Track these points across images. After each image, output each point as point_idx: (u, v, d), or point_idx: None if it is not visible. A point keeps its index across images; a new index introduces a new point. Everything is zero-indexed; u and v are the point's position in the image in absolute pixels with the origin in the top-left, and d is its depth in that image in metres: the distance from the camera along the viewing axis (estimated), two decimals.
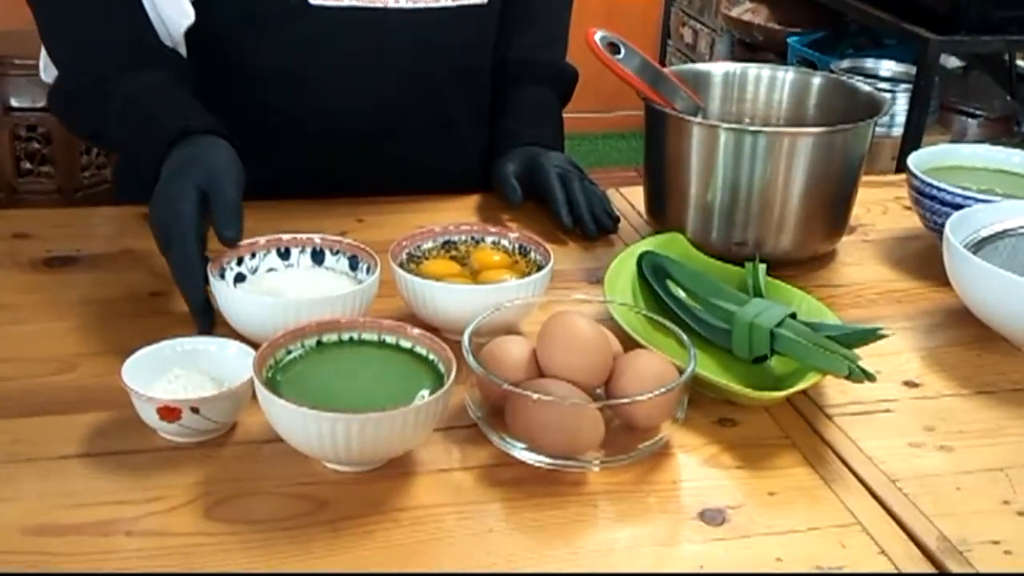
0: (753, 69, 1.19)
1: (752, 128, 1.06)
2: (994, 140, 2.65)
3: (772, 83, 1.18)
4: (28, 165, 2.50)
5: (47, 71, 1.14)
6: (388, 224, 1.13)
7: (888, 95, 2.41)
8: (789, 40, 2.92)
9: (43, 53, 1.13)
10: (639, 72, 1.06)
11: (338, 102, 1.15)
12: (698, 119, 1.07)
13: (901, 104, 2.50)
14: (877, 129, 1.07)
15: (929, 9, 2.34)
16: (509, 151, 1.22)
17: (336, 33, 1.12)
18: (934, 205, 1.10)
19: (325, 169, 1.18)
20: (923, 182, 1.11)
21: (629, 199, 1.25)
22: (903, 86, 2.54)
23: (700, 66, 1.20)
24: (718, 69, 1.19)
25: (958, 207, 1.06)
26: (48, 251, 1.05)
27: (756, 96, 1.18)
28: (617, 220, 1.16)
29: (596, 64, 1.05)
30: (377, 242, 0.96)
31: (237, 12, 1.11)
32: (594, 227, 1.14)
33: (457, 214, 1.18)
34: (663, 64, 3.61)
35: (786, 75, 1.18)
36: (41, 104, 2.29)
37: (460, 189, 1.24)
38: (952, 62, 2.90)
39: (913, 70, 2.48)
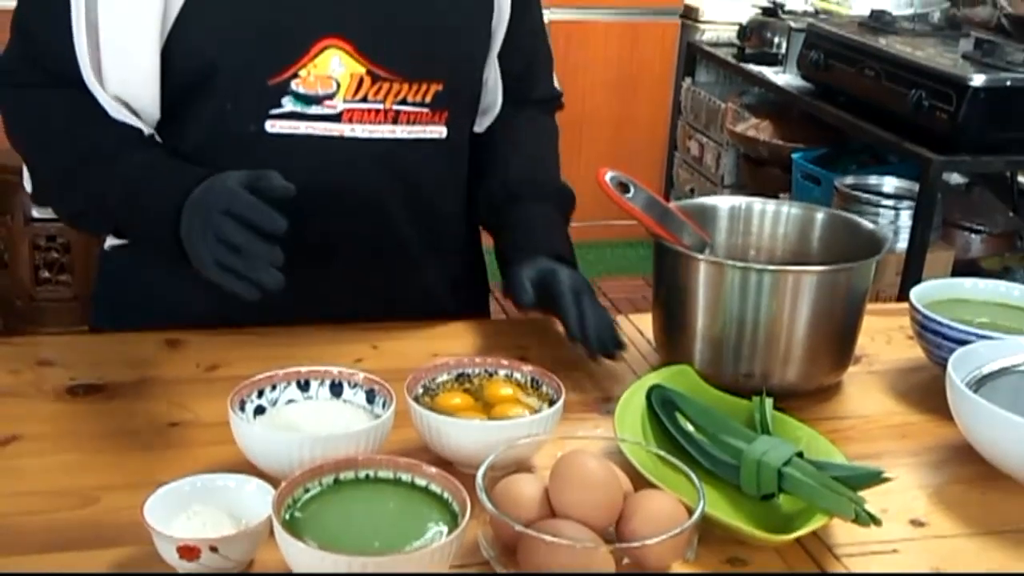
0: (758, 204, 1.22)
1: (757, 266, 1.09)
2: (997, 255, 2.68)
3: (776, 218, 1.21)
4: (47, 274, 2.55)
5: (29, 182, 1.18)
6: (402, 351, 1.16)
7: (889, 233, 2.42)
8: (793, 156, 2.98)
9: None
10: (647, 209, 1.10)
11: (289, 229, 1.10)
12: (705, 256, 1.11)
13: (904, 220, 2.54)
14: None
15: (930, 130, 2.39)
16: (525, 260, 1.20)
17: (291, 161, 1.12)
18: (937, 339, 1.13)
19: (279, 294, 1.14)
20: (926, 316, 1.14)
21: (638, 326, 1.28)
22: (906, 202, 2.58)
23: (706, 200, 1.24)
24: (724, 204, 1.23)
25: (961, 342, 1.08)
26: (72, 379, 1.07)
27: (761, 230, 1.21)
28: (623, 347, 1.16)
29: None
30: (392, 370, 0.99)
31: (192, 139, 1.15)
32: (599, 346, 1.13)
33: (470, 341, 1.21)
34: (671, 179, 3.69)
35: (790, 210, 1.21)
36: None
37: (422, 319, 1.24)
38: (955, 178, 2.95)
39: (916, 186, 2.52)
